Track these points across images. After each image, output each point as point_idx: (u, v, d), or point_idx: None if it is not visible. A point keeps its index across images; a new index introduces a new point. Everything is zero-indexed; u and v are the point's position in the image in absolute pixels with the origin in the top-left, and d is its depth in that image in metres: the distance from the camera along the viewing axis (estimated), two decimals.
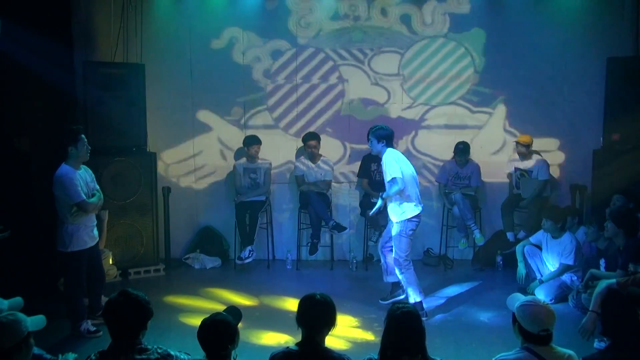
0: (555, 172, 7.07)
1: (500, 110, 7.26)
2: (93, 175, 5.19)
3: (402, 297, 5.51)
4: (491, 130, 7.29)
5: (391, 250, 5.48)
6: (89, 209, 4.94)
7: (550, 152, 7.10)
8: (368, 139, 5.42)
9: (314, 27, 7.23)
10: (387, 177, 5.23)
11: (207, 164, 7.45)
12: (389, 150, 5.33)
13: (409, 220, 5.28)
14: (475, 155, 7.15)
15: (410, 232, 5.31)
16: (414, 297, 5.34)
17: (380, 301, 5.69)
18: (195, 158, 7.42)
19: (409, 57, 7.23)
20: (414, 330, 2.90)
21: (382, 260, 5.68)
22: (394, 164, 5.20)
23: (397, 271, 5.41)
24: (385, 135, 5.33)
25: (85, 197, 4.88)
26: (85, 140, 4.98)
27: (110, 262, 6.32)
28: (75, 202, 4.83)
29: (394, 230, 5.35)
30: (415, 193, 5.31)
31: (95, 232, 5.18)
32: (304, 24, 7.23)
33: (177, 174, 7.35)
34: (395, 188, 5.16)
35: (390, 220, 5.46)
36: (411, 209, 5.27)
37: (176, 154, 7.36)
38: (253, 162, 7.03)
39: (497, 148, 7.30)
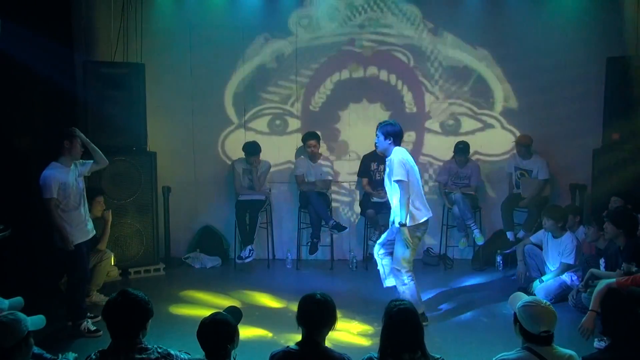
0: (555, 171, 7.07)
1: (500, 110, 7.26)
2: (87, 163, 5.19)
3: None
4: (491, 130, 7.30)
5: (390, 254, 5.22)
6: (53, 213, 4.83)
7: (550, 152, 7.10)
8: (376, 135, 5.16)
9: (315, 27, 7.23)
10: (393, 177, 4.94)
11: (207, 164, 7.45)
12: (397, 149, 5.04)
13: (416, 226, 4.99)
14: (475, 155, 7.15)
15: (417, 241, 5.01)
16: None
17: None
18: (195, 158, 7.43)
19: (408, 57, 7.24)
20: (411, 326, 2.92)
21: (379, 265, 5.36)
22: (401, 168, 4.92)
23: (395, 281, 5.12)
24: (394, 132, 5.02)
25: (55, 196, 4.81)
26: (80, 141, 5.04)
27: (112, 262, 6.31)
28: (43, 197, 4.81)
29: (399, 236, 5.01)
30: (421, 197, 5.09)
31: (89, 226, 5.19)
32: (305, 23, 7.23)
33: (177, 174, 7.34)
34: (402, 193, 4.88)
35: (393, 223, 5.17)
36: (419, 214, 5.02)
37: (176, 154, 7.35)
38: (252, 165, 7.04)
39: (497, 148, 7.31)
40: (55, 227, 4.89)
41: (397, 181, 4.92)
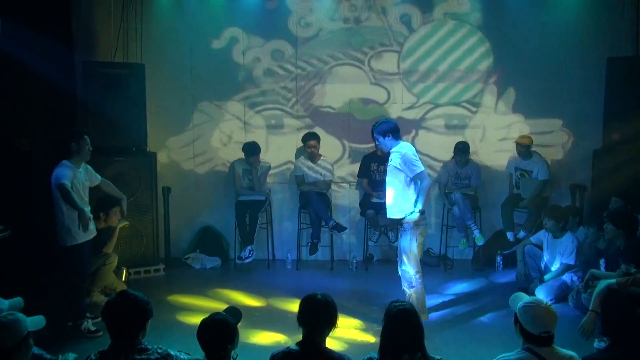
0: (555, 171, 7.07)
1: (500, 110, 7.26)
2: (92, 171, 5.23)
3: None
4: (491, 130, 7.29)
5: None
6: (68, 198, 4.79)
7: (551, 152, 7.10)
8: (374, 138, 5.15)
9: (314, 27, 7.23)
10: (417, 170, 4.87)
11: (207, 164, 7.44)
12: (403, 144, 5.03)
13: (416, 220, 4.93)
14: (475, 155, 7.15)
15: (419, 237, 4.97)
16: None
17: None
18: (195, 158, 7.42)
19: (408, 57, 7.24)
20: (411, 327, 2.91)
21: None
22: (419, 160, 4.92)
23: (404, 284, 5.08)
24: (389, 128, 4.98)
25: (69, 183, 4.81)
26: (88, 141, 5.02)
27: (123, 278, 6.18)
28: (59, 183, 4.78)
29: (404, 234, 4.98)
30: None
31: (92, 226, 5.17)
32: (304, 23, 7.23)
33: (177, 174, 7.35)
34: (426, 182, 4.88)
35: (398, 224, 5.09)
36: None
37: (176, 153, 7.36)
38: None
39: (497, 148, 7.30)
40: (74, 207, 4.82)
41: (420, 173, 4.87)
